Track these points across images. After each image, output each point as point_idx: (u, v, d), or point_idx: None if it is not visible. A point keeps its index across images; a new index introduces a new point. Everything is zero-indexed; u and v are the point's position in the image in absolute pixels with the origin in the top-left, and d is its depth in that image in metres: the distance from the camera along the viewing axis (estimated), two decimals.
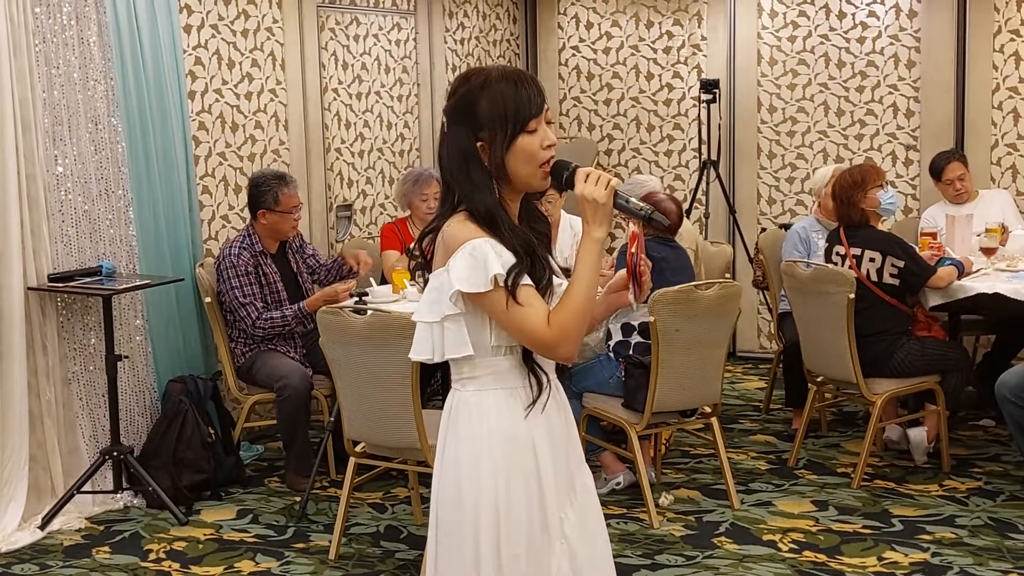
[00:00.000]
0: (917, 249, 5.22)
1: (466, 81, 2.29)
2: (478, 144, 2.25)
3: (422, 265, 2.37)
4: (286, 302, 5.32)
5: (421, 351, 2.33)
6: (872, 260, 5.00)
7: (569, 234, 5.74)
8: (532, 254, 2.26)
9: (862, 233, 5.07)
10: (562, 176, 2.28)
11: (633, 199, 2.28)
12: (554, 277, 2.35)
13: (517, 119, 2.23)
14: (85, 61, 4.99)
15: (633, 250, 2.34)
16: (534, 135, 2.25)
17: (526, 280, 2.22)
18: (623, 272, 2.41)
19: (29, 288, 4.75)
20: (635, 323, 4.74)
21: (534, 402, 2.31)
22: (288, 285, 5.39)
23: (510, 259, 2.21)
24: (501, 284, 2.19)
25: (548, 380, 2.33)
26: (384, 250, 5.95)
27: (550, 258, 2.38)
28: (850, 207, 5.08)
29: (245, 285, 5.23)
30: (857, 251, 5.04)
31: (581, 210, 2.25)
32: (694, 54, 7.52)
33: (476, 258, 2.19)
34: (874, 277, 4.98)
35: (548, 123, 2.29)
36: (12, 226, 4.68)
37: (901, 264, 4.96)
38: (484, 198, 2.24)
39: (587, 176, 2.24)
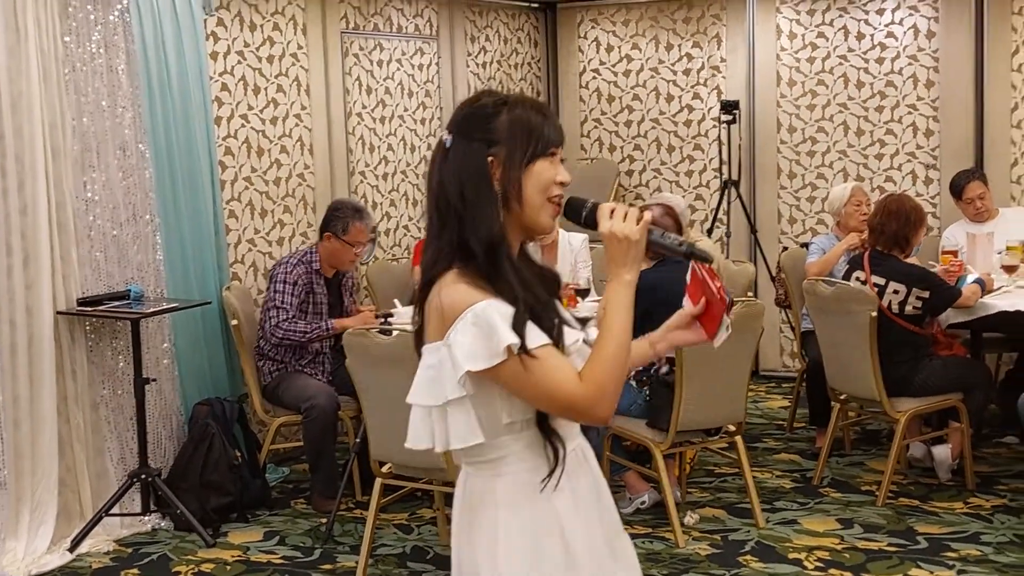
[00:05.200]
0: (937, 266, 5.22)
1: (482, 96, 2.05)
2: (489, 159, 1.97)
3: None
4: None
5: (419, 439, 2.02)
6: (896, 292, 4.96)
7: (568, 253, 5.70)
8: (537, 300, 1.97)
9: (887, 263, 5.03)
10: (580, 213, 2.03)
11: (669, 235, 2.05)
12: (566, 328, 2.01)
13: (540, 140, 1.98)
14: (113, 88, 5.07)
15: (714, 284, 2.11)
16: (552, 163, 2.00)
17: (541, 338, 1.92)
18: (688, 310, 2.18)
19: (59, 312, 4.82)
20: None
21: (549, 475, 1.99)
22: (332, 311, 5.43)
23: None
24: (516, 352, 1.89)
25: (565, 451, 2.02)
26: (415, 265, 6.00)
27: (558, 305, 2.08)
28: (902, 239, 5.00)
29: (286, 293, 5.24)
30: (880, 280, 5.00)
31: (608, 250, 1.98)
32: (713, 75, 7.56)
33: (481, 327, 1.89)
34: (895, 309, 4.96)
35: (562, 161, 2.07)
36: (43, 251, 4.75)
37: (926, 295, 4.94)
38: (490, 223, 1.95)
39: (612, 211, 1.98)
